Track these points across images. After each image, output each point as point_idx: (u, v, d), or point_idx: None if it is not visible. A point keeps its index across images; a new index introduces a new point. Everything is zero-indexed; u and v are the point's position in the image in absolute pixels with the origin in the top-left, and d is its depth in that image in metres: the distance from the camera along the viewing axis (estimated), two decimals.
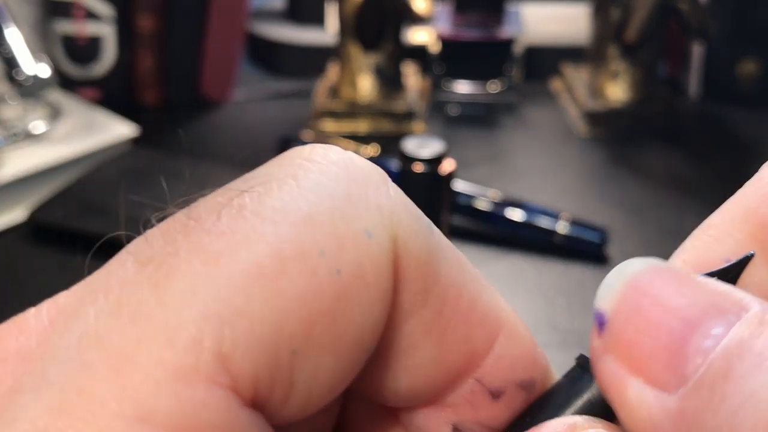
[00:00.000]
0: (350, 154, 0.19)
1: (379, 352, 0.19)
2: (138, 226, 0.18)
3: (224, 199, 0.17)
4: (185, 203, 0.18)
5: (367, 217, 0.18)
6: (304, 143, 0.67)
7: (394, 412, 0.21)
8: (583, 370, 0.20)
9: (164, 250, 0.16)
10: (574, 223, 0.62)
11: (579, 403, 0.19)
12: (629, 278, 0.18)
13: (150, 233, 0.17)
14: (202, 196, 0.18)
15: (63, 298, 0.17)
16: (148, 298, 0.16)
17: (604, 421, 0.19)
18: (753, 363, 0.15)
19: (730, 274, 0.19)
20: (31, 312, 0.17)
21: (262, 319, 0.16)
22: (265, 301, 0.16)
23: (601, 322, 0.18)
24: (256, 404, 0.16)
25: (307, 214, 0.17)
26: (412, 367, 0.19)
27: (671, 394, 0.16)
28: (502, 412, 0.20)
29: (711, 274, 0.19)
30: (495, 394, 0.20)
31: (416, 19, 0.78)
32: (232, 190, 0.17)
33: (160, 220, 0.17)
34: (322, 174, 0.18)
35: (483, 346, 0.19)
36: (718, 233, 0.20)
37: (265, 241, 0.16)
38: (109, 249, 0.19)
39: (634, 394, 0.17)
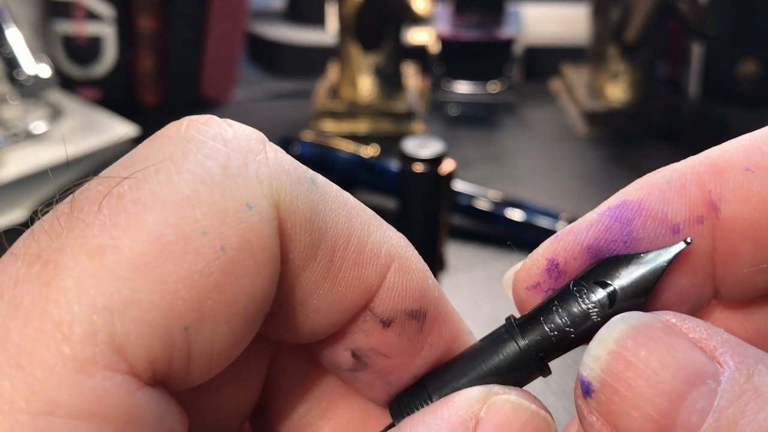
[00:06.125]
0: (227, 124, 0.19)
1: (279, 304, 0.19)
2: None
3: (104, 188, 0.17)
4: (69, 193, 0.18)
5: (247, 189, 0.18)
6: (304, 143, 0.67)
7: (301, 344, 0.22)
8: (507, 332, 0.20)
9: (51, 246, 0.17)
10: None
11: (497, 362, 0.20)
12: (612, 347, 0.18)
13: (36, 228, 0.17)
14: (85, 183, 0.18)
15: None
16: (40, 296, 0.16)
17: (517, 389, 0.20)
18: None
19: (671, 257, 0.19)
20: None
21: (150, 305, 0.17)
22: (152, 288, 0.17)
23: (586, 390, 0.18)
24: (157, 381, 0.17)
25: (186, 196, 0.17)
26: (312, 312, 0.20)
27: None
28: (393, 339, 0.21)
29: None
30: (386, 323, 0.21)
31: (416, 19, 0.78)
32: (112, 178, 0.18)
33: (45, 212, 0.18)
34: (200, 151, 0.18)
35: (376, 282, 0.20)
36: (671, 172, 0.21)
37: (146, 229, 0.17)
38: None
39: None
